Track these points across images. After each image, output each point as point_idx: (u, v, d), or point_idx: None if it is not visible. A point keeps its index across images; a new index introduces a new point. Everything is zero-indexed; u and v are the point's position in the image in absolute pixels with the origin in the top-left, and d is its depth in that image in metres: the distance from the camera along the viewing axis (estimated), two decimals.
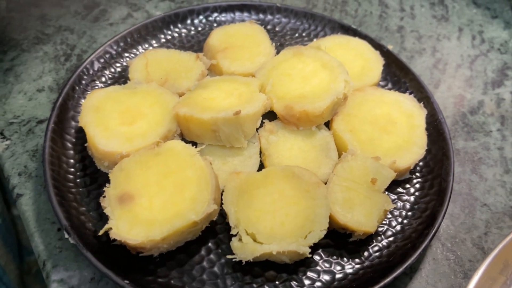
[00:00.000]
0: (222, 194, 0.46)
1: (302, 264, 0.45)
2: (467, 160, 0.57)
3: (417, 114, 0.54)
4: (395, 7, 0.74)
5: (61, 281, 0.44)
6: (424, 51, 0.68)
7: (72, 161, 0.50)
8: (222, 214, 0.46)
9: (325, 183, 0.48)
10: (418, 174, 0.53)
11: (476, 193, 0.54)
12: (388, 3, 0.75)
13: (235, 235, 0.44)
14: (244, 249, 0.43)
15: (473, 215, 0.52)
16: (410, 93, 0.58)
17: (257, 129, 0.52)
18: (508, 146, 0.58)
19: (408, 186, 0.52)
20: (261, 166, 0.51)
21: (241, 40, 0.60)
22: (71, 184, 0.49)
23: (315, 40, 0.63)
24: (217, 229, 0.47)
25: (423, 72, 0.65)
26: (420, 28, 0.71)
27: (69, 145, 0.51)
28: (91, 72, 0.58)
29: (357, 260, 0.46)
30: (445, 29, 0.72)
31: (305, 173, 0.46)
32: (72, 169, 0.50)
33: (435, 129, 0.54)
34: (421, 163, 0.53)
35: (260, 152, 0.51)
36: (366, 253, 0.47)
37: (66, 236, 0.42)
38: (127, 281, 0.41)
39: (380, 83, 0.61)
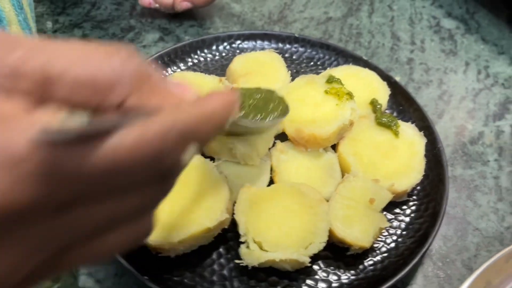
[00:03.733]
0: (234, 205, 0.52)
1: (302, 273, 0.50)
2: (463, 186, 0.61)
3: (417, 142, 0.59)
4: (406, 40, 0.80)
5: (89, 275, 0.50)
6: (431, 83, 0.73)
7: None
8: (234, 223, 0.51)
9: (328, 201, 0.53)
10: (415, 197, 0.57)
11: (470, 217, 0.58)
12: (400, 36, 0.80)
13: (244, 243, 0.49)
14: (251, 256, 0.48)
15: (465, 238, 0.56)
16: (413, 122, 0.62)
17: (269, 149, 0.57)
18: (504, 176, 0.62)
19: (405, 207, 0.57)
20: (271, 182, 0.56)
21: (260, 67, 0.66)
22: None
23: (328, 69, 0.69)
24: (228, 236, 0.52)
25: (428, 103, 0.70)
26: (429, 61, 0.76)
27: None
28: None
29: (352, 272, 0.51)
30: (453, 63, 0.76)
31: (310, 190, 0.52)
32: None
33: (434, 156, 0.59)
34: (418, 187, 0.58)
35: (271, 169, 0.57)
36: (361, 266, 0.51)
37: None
38: (146, 277, 0.47)
39: (387, 111, 0.66)
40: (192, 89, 0.28)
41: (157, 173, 0.24)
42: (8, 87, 0.22)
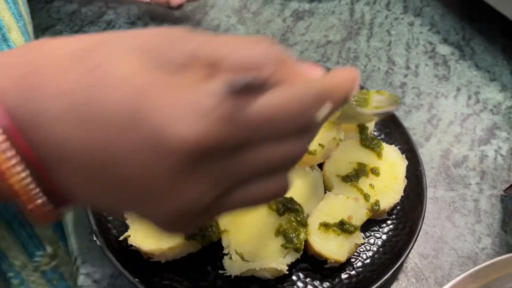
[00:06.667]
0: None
1: (281, 282, 0.54)
2: (443, 208, 0.64)
3: (399, 164, 0.62)
4: (401, 64, 0.83)
5: (87, 275, 0.55)
6: (421, 107, 0.77)
7: None
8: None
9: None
10: (394, 216, 0.61)
11: (447, 237, 0.61)
12: (396, 60, 0.84)
13: (227, 254, 0.53)
14: (233, 266, 0.52)
15: (440, 257, 0.59)
16: (398, 145, 0.66)
17: None
18: (483, 199, 0.65)
19: (384, 225, 0.60)
20: None
21: None
22: None
23: None
24: (213, 248, 0.56)
25: (417, 126, 0.74)
26: (421, 85, 0.80)
27: None
28: None
29: (328, 284, 0.54)
30: (445, 88, 0.80)
31: None
32: None
33: (416, 178, 0.62)
34: (398, 207, 0.61)
35: None
36: (337, 279, 0.55)
37: (95, 238, 0.53)
38: (137, 280, 0.51)
39: (375, 133, 0.69)
40: (321, 68, 0.34)
41: (299, 126, 0.30)
42: (188, 65, 0.29)
